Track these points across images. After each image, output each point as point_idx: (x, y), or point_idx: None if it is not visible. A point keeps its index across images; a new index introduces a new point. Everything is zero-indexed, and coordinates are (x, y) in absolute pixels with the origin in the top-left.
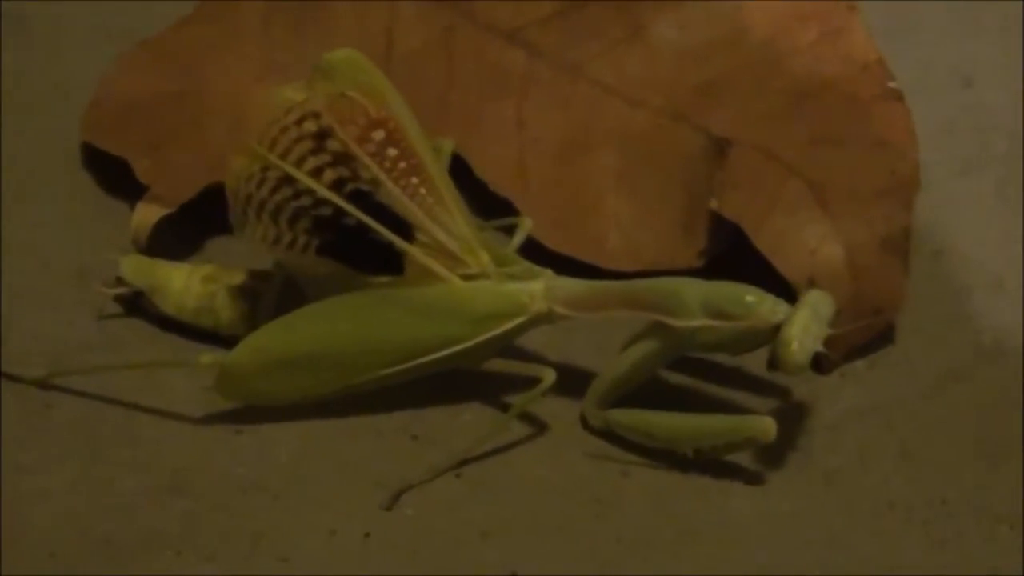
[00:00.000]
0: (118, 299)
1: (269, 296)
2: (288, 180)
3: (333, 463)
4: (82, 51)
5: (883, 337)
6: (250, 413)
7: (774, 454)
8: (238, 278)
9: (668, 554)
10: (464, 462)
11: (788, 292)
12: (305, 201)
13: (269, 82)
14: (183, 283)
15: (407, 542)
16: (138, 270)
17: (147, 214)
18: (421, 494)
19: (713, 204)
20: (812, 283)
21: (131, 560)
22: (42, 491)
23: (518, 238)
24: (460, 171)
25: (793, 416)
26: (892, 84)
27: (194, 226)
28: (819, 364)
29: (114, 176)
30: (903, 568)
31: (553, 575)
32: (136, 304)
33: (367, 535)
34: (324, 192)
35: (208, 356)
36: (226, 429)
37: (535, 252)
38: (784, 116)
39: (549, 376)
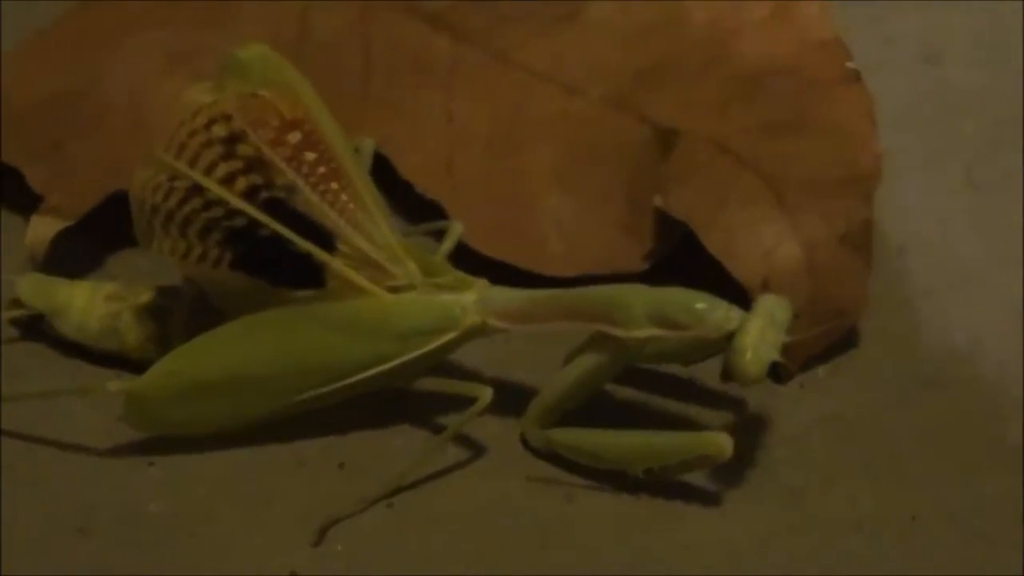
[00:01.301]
0: (14, 322)
1: (179, 315)
2: (197, 189)
3: (254, 497)
4: None
5: (845, 342)
6: (162, 443)
7: (731, 472)
8: (144, 296)
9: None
10: (396, 491)
11: (742, 296)
12: (216, 212)
13: (174, 75)
14: (85, 303)
15: None
16: (36, 291)
17: (43, 228)
18: (351, 527)
19: (658, 201)
20: (767, 286)
21: None
22: None
23: (447, 244)
24: (383, 171)
25: (750, 430)
26: (850, 64)
27: (95, 239)
28: (776, 373)
29: (7, 187)
30: None
31: None
32: (34, 328)
33: (293, 575)
34: (236, 202)
35: (116, 383)
36: (137, 461)
37: (468, 259)
38: (734, 103)
39: (486, 395)
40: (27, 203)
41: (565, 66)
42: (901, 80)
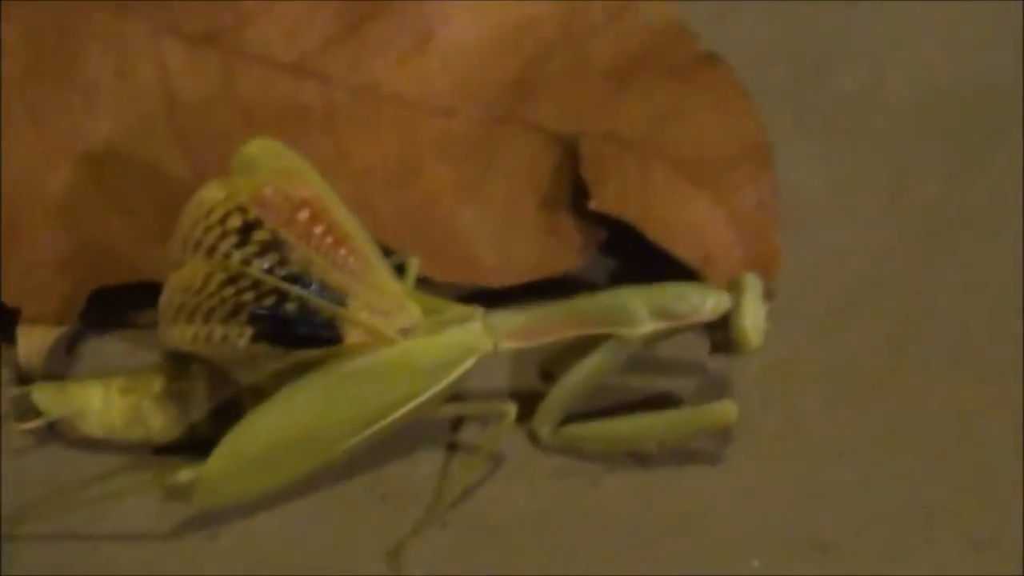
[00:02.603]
0: (20, 432)
1: (199, 392)
2: (231, 281)
3: (319, 544)
4: None
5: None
6: (214, 517)
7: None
8: (156, 383)
9: (664, 546)
10: (446, 511)
11: (678, 269)
12: (247, 297)
13: (57, 167)
14: (102, 401)
15: None
16: (53, 399)
17: (35, 339)
18: (418, 552)
19: (593, 205)
20: (708, 261)
21: None
22: None
23: (411, 278)
24: None
25: (718, 387)
26: (700, 48)
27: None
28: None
29: None
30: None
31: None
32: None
33: None
34: (279, 284)
35: (186, 472)
36: (200, 537)
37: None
38: (613, 100)
39: (511, 410)
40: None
41: (434, 89)
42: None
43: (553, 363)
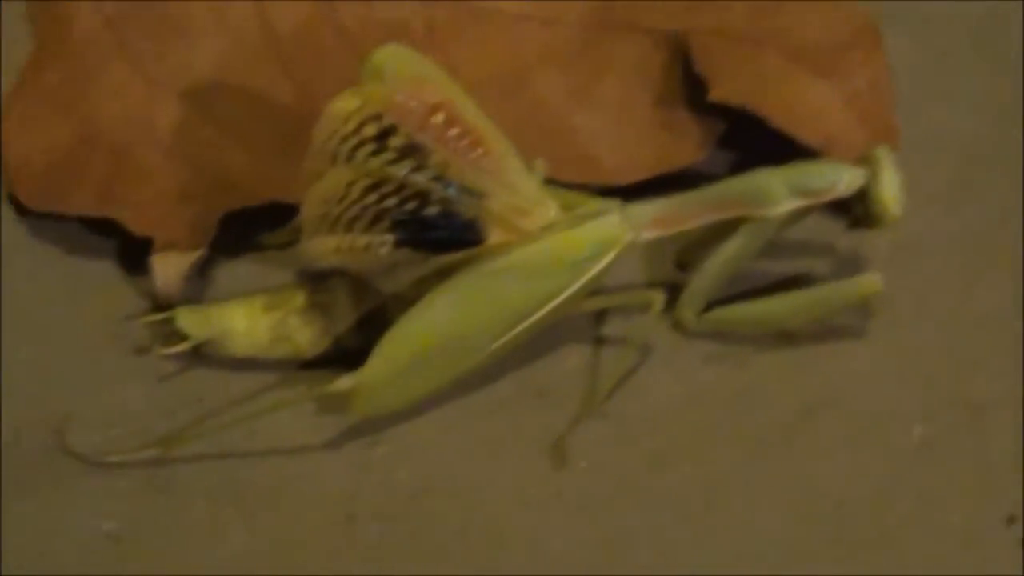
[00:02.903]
0: (164, 357)
1: (342, 304)
2: (374, 187)
3: (481, 446)
4: None
5: None
6: (372, 426)
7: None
8: (299, 298)
9: (818, 419)
10: (602, 402)
11: (798, 157)
12: (389, 203)
13: (157, 98)
14: (247, 320)
15: (598, 489)
16: (198, 322)
17: (171, 266)
18: (581, 444)
19: (712, 97)
20: (831, 143)
21: None
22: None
23: (539, 177)
24: None
25: (852, 266)
26: None
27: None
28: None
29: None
30: None
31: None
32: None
33: (559, 497)
34: (424, 184)
35: (344, 380)
36: (360, 445)
37: None
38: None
39: (659, 298)
40: (81, 246)
41: (534, 3)
42: None
43: (688, 254)
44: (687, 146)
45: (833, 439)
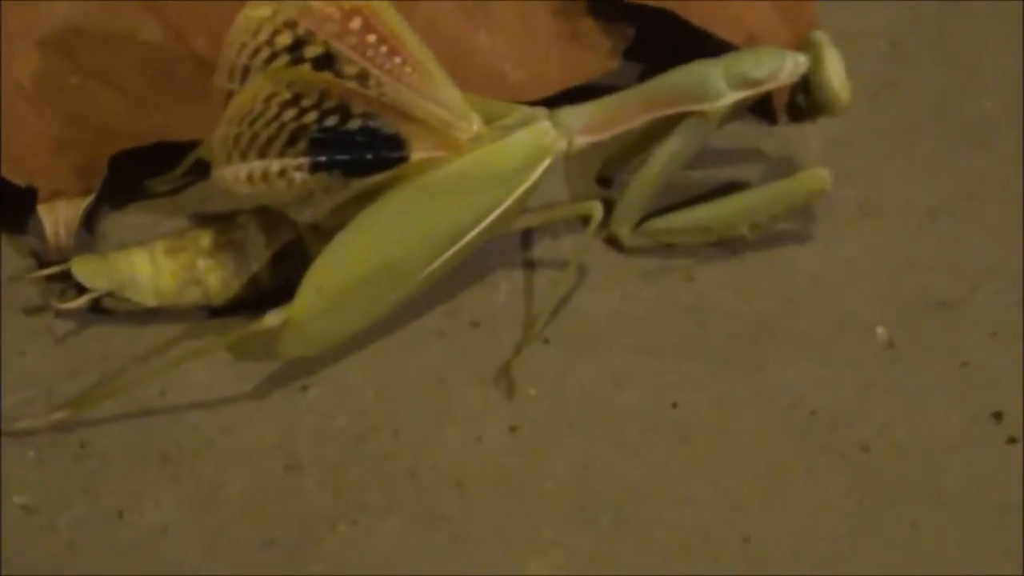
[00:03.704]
0: (61, 314)
1: (254, 240)
2: (293, 102)
3: (424, 381)
4: None
5: None
6: (300, 368)
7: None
8: (205, 238)
9: (780, 327)
10: (543, 327)
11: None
12: (309, 118)
13: (24, 52)
14: (150, 266)
15: (556, 415)
16: (95, 272)
17: (62, 213)
18: (529, 370)
19: None
20: (752, 39)
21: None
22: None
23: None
24: None
25: (786, 168)
26: None
27: None
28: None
29: None
30: None
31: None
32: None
33: (513, 429)
34: (353, 87)
35: (272, 316)
36: (289, 391)
37: None
38: None
39: (598, 209)
40: None
41: None
42: None
43: (612, 167)
44: (595, 56)
45: (795, 348)
